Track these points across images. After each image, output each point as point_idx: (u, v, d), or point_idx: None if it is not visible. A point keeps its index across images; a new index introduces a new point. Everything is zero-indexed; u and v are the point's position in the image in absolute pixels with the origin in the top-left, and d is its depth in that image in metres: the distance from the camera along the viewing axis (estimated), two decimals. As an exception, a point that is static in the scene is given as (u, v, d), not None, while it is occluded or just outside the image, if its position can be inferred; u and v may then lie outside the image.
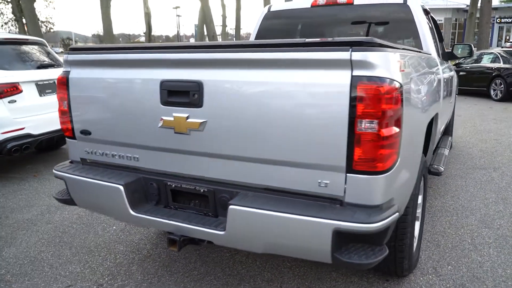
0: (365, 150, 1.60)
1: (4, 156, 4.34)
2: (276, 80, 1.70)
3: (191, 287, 2.48)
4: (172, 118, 1.93)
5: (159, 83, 1.94)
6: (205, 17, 22.35)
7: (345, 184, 1.66)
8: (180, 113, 1.91)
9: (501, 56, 11.16)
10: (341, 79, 1.58)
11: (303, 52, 1.63)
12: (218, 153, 1.88)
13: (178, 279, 2.56)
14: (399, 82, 1.64)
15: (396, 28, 3.63)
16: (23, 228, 3.36)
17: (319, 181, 1.71)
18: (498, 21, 44.99)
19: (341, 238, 1.62)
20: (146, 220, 2.04)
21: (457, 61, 12.98)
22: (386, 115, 1.58)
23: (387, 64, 1.60)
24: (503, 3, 49.34)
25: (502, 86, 10.66)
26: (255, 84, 1.74)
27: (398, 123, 1.66)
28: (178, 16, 72.76)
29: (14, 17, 25.63)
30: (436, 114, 2.77)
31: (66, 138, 2.38)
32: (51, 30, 42.35)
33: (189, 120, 1.90)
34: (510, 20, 44.32)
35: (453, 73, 4.88)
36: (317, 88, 1.63)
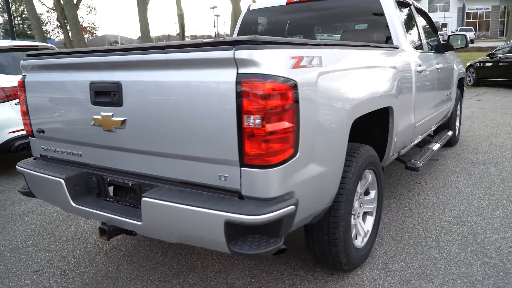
0: (254, 144, 1.65)
1: (12, 153, 4.72)
2: (175, 80, 1.80)
3: (144, 275, 2.63)
4: (100, 117, 2.08)
5: (88, 84, 2.10)
6: (236, 18, 22.58)
7: (240, 178, 1.73)
8: (106, 112, 2.05)
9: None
10: (228, 77, 1.64)
11: (192, 53, 1.71)
12: (138, 149, 2.01)
13: (135, 268, 2.72)
14: (288, 79, 1.68)
15: (367, 21, 3.58)
16: (16, 219, 3.67)
17: (220, 174, 1.78)
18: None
19: (234, 229, 1.69)
20: (84, 211, 2.21)
21: (490, 51, 12.33)
22: (271, 111, 1.63)
23: (272, 61, 1.65)
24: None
25: (538, 76, 10.01)
26: (159, 84, 1.85)
27: (290, 119, 1.70)
28: (216, 16, 73.76)
29: (58, 24, 27.24)
30: (390, 108, 2.73)
31: (29, 137, 2.60)
32: (94, 35, 44.43)
33: (113, 118, 2.03)
34: None
35: (450, 65, 4.71)
36: (209, 86, 1.71)
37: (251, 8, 4.01)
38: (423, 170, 4.44)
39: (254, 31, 4.05)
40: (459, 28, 40.27)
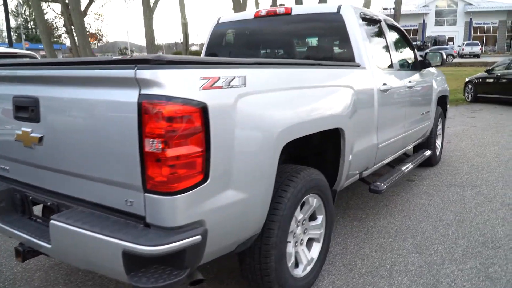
0: (156, 170, 1.55)
1: None
2: (82, 98, 1.71)
3: (77, 297, 2.52)
4: (21, 132, 2.00)
5: (11, 98, 2.01)
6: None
7: (144, 204, 1.62)
8: (26, 127, 1.97)
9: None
10: (130, 97, 1.55)
11: (96, 70, 1.62)
12: (54, 167, 1.92)
13: (70, 288, 2.61)
14: (195, 100, 1.58)
15: (330, 38, 3.48)
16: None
17: (126, 199, 1.68)
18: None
19: (134, 259, 1.58)
20: (3, 229, 2.11)
21: (488, 68, 12.18)
22: (175, 135, 1.53)
23: (177, 82, 1.55)
24: None
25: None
26: (69, 101, 1.77)
27: (198, 143, 1.60)
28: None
29: (65, 30, 27.46)
30: (341, 130, 2.61)
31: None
32: (100, 42, 44.87)
33: (32, 134, 1.95)
34: None
35: (428, 83, 4.60)
36: (112, 106, 1.62)
37: (220, 21, 3.94)
38: (395, 192, 4.30)
39: (223, 43, 3.97)
40: (465, 42, 40.07)
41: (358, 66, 3.12)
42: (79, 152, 1.77)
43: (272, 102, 2.00)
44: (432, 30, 46.81)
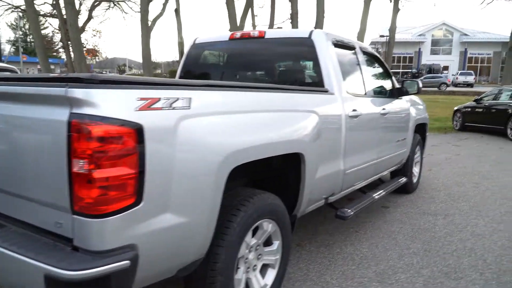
0: (84, 191, 1.52)
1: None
2: (15, 114, 1.69)
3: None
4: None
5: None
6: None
7: (72, 226, 1.58)
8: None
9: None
10: (60, 116, 1.53)
11: (28, 87, 1.61)
12: (-9, 185, 1.88)
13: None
14: (129, 121, 1.55)
15: (301, 62, 3.50)
16: None
17: (56, 220, 1.64)
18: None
19: (57, 284, 1.52)
20: None
21: (477, 97, 12.31)
22: (105, 156, 1.50)
23: (110, 102, 1.53)
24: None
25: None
26: (2, 118, 1.74)
27: (131, 165, 1.56)
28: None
29: (62, 44, 27.82)
30: (301, 155, 2.59)
31: None
32: (97, 58, 45.33)
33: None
34: None
35: (405, 110, 4.62)
36: (43, 124, 1.60)
37: (196, 42, 3.96)
38: (367, 218, 4.25)
39: (198, 64, 3.98)
40: (459, 72, 40.69)
41: (326, 91, 3.13)
42: (12, 170, 1.74)
43: (220, 126, 1.98)
44: (427, 59, 47.54)
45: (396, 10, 22.68)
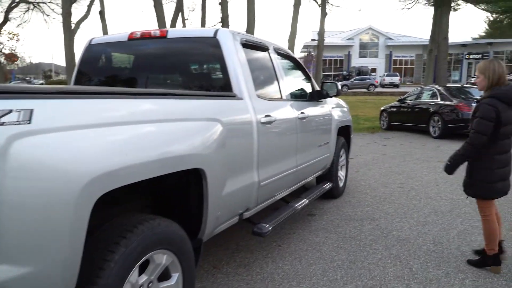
0: None
1: None
2: None
3: None
4: None
5: None
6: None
7: None
8: None
9: (440, 92, 10.95)
10: None
11: None
12: None
13: None
14: None
15: (207, 64, 3.18)
16: None
17: None
18: (467, 57, 46.24)
19: None
20: None
21: (401, 97, 12.81)
22: None
23: None
24: (473, 40, 50.94)
25: (440, 123, 10.38)
26: None
27: None
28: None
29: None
30: (202, 171, 2.25)
31: None
32: (18, 63, 42.08)
33: None
34: (478, 57, 45.54)
35: (326, 114, 4.46)
36: None
37: (92, 43, 3.48)
38: (292, 229, 4.01)
39: (94, 68, 3.50)
40: (386, 73, 42.97)
41: (233, 96, 2.82)
42: None
43: (79, 144, 1.56)
44: (356, 61, 49.67)
45: (324, 14, 23.27)
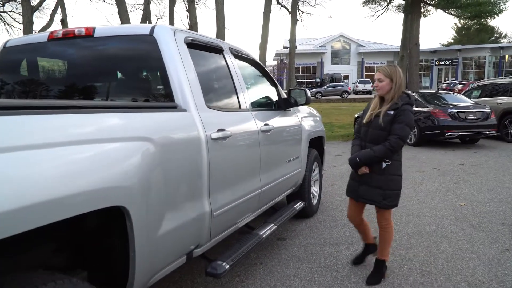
0: None
1: None
2: None
3: None
4: None
5: None
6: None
7: None
8: None
9: (414, 99, 10.67)
10: None
11: None
12: None
13: None
14: None
15: (142, 68, 2.61)
16: None
17: None
18: (437, 63, 47.25)
19: None
20: None
21: (374, 104, 12.50)
22: None
23: None
24: (442, 46, 52.17)
25: (416, 130, 10.08)
26: None
27: None
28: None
29: None
30: (124, 209, 1.67)
31: None
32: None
33: None
34: (448, 63, 46.60)
35: (295, 124, 3.94)
36: None
37: (8, 45, 2.85)
38: (259, 258, 3.46)
39: (10, 74, 2.88)
40: (358, 80, 43.27)
41: (174, 107, 2.26)
42: None
43: None
44: (329, 68, 49.93)
45: (294, 21, 23.02)
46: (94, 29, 2.55)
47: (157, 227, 1.92)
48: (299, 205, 4.03)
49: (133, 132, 1.83)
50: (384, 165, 2.93)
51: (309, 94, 3.78)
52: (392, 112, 2.82)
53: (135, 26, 2.67)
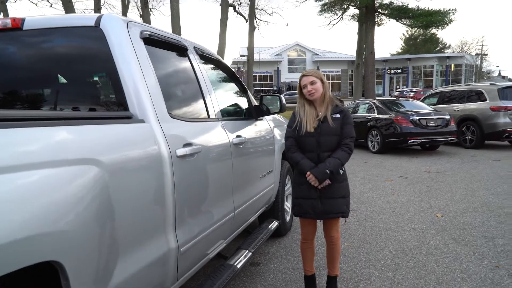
0: None
1: None
2: None
3: None
4: None
5: None
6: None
7: None
8: None
9: (376, 106, 10.63)
10: None
11: None
12: None
13: None
14: None
15: (89, 67, 2.10)
16: None
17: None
18: (388, 72, 48.97)
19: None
20: None
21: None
22: None
23: None
24: (393, 56, 54.16)
25: (379, 137, 10.01)
26: None
27: None
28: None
29: None
30: (58, 265, 1.17)
31: None
32: None
33: None
34: (398, 71, 48.40)
35: (267, 135, 3.53)
36: None
37: None
38: (231, 292, 2.99)
39: None
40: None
41: (128, 118, 1.77)
42: None
43: None
44: (286, 77, 50.33)
45: (252, 28, 22.84)
46: (23, 20, 2.01)
47: (105, 281, 1.42)
48: (273, 224, 3.60)
49: (71, 152, 1.32)
50: (341, 171, 2.66)
51: (284, 101, 3.40)
52: (339, 115, 2.65)
53: (77, 16, 2.16)
